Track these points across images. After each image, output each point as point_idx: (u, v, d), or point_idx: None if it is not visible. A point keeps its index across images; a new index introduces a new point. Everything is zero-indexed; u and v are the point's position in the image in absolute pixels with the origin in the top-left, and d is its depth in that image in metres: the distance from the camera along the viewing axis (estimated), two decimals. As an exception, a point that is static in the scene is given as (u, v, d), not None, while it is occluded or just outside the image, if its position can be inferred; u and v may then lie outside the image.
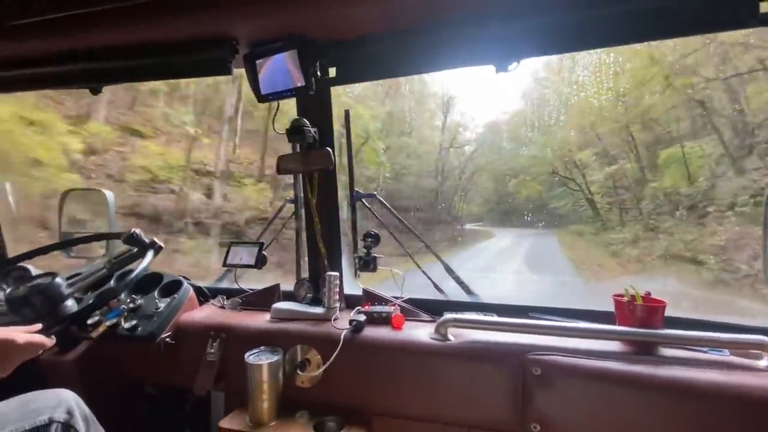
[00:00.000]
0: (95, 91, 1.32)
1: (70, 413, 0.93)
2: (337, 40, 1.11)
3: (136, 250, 1.17)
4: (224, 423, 1.11)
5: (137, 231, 1.19)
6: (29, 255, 1.24)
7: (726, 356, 0.96)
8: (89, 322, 1.14)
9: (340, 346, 1.10)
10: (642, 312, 0.99)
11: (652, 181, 10.27)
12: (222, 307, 1.44)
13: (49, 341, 0.89)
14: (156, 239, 1.20)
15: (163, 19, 1.03)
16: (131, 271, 1.10)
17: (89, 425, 0.96)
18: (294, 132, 1.23)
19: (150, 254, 1.14)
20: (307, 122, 1.24)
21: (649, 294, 1.04)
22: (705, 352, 0.98)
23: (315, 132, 1.27)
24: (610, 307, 1.08)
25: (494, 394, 1.01)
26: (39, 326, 0.90)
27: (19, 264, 1.27)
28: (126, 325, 1.25)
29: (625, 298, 1.03)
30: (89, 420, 0.97)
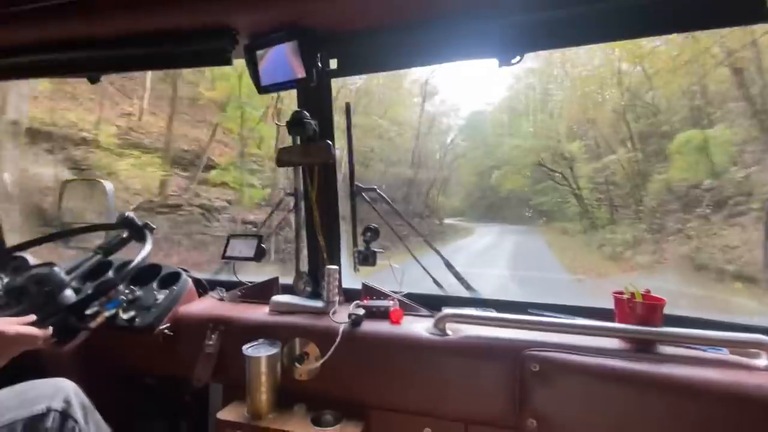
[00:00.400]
0: (93, 80, 1.31)
1: (67, 402, 0.93)
2: (338, 31, 1.10)
3: (126, 234, 1.17)
4: (222, 414, 1.12)
5: (130, 214, 1.18)
6: (27, 245, 1.24)
7: (725, 355, 0.96)
8: (88, 312, 1.14)
9: (338, 339, 1.10)
10: (641, 309, 0.99)
11: (659, 172, 9.00)
12: (221, 299, 1.44)
13: (42, 332, 0.87)
14: (148, 222, 1.19)
15: (163, 8, 1.02)
16: (131, 261, 1.09)
17: (87, 414, 0.96)
18: (295, 124, 1.22)
19: (149, 243, 1.13)
20: (308, 114, 1.23)
21: (649, 291, 1.04)
22: (704, 350, 0.98)
23: (315, 124, 1.26)
24: (609, 304, 1.07)
25: (492, 390, 1.01)
26: (32, 317, 0.87)
27: (17, 254, 1.27)
28: (124, 316, 1.25)
29: (625, 296, 1.03)
30: (87, 409, 0.97)
